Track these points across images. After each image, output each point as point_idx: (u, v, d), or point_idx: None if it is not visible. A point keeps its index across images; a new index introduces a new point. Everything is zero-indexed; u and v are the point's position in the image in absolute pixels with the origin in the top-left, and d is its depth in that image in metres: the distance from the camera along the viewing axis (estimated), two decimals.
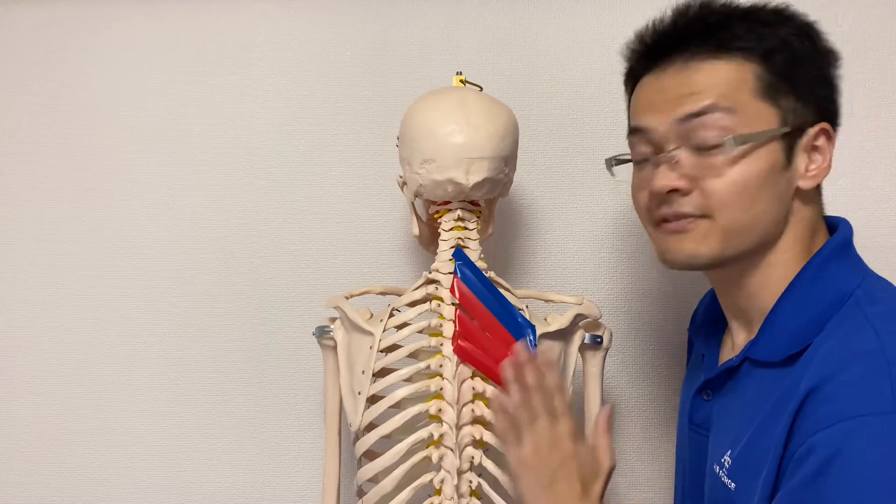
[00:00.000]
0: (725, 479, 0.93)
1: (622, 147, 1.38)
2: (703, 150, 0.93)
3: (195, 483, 1.43)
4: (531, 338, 1.08)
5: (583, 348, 1.17)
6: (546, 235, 1.40)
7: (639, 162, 1.01)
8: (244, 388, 1.42)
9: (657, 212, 0.97)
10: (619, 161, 1.07)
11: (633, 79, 1.04)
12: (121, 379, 1.43)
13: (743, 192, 0.92)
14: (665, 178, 0.94)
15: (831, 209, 1.01)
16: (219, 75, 1.42)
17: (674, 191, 0.94)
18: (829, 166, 0.96)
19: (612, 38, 1.37)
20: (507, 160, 1.12)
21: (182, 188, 1.42)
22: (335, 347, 1.16)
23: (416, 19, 1.40)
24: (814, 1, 1.05)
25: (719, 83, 0.93)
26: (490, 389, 1.08)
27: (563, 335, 1.13)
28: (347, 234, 1.41)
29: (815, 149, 0.95)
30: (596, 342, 1.16)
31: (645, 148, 0.99)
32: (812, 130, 0.94)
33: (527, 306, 1.14)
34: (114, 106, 1.43)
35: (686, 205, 0.94)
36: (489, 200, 1.19)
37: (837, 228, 0.99)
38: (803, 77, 0.94)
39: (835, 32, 0.99)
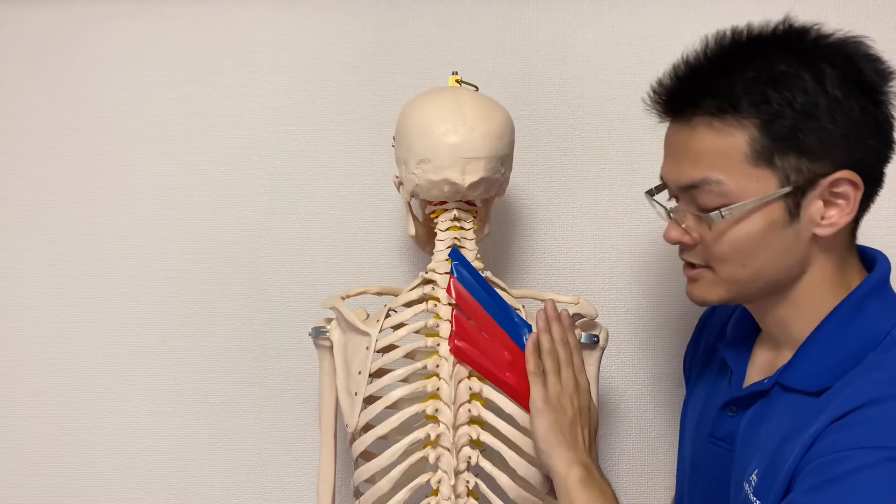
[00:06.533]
0: (752, 497, 0.95)
1: (619, 148, 1.39)
2: (700, 212, 0.96)
3: (195, 483, 1.43)
4: (528, 338, 1.08)
5: None
6: (543, 235, 1.40)
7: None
8: (244, 388, 1.42)
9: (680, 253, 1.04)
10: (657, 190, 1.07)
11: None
12: (121, 379, 1.43)
13: (739, 251, 0.95)
14: (674, 231, 1.01)
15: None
16: (219, 75, 1.42)
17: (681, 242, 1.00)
18: (854, 210, 0.92)
19: (611, 38, 1.38)
20: (504, 160, 1.12)
21: (182, 188, 1.42)
22: (331, 348, 1.16)
23: (415, 19, 1.40)
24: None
25: (711, 154, 0.93)
26: (487, 389, 1.08)
27: None
28: (345, 235, 1.41)
29: (834, 195, 0.92)
30: (592, 342, 1.16)
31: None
32: (825, 181, 0.91)
33: (523, 306, 1.14)
34: (113, 106, 1.43)
35: (692, 256, 1.01)
36: (486, 200, 1.19)
37: (875, 262, 0.99)
38: (811, 133, 0.90)
39: None
